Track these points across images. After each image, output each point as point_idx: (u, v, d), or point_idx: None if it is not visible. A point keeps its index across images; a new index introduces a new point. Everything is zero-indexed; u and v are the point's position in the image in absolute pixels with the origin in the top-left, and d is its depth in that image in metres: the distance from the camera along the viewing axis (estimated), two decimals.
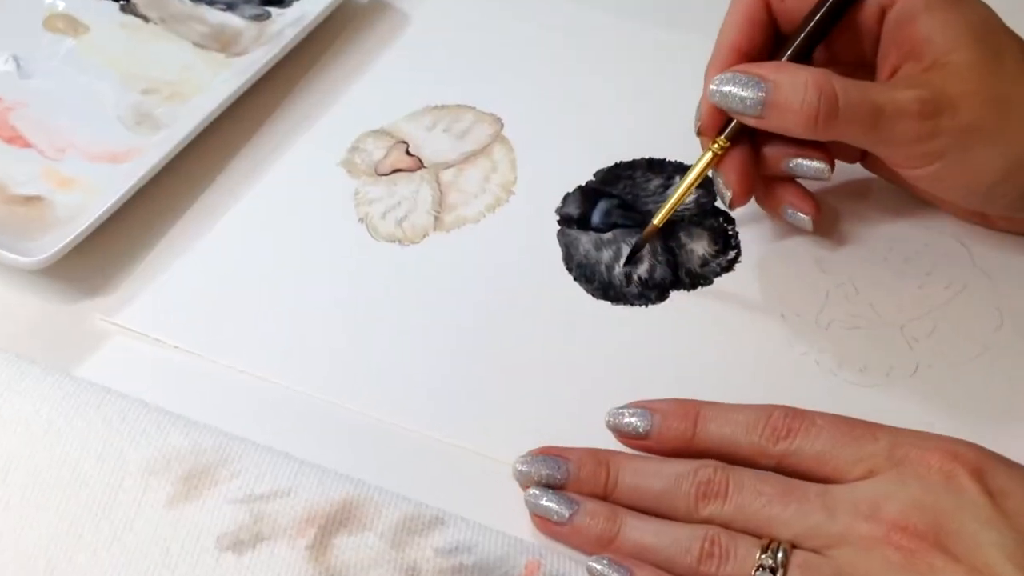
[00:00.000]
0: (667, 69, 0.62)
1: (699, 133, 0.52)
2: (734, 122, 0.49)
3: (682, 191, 0.51)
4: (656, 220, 0.51)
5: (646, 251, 0.54)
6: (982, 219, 0.54)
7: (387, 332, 0.51)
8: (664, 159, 0.58)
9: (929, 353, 0.50)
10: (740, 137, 0.50)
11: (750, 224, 0.55)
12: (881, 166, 0.51)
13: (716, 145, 0.50)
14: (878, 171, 0.53)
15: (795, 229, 0.53)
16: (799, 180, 0.51)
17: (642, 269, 0.54)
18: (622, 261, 0.53)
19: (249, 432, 0.45)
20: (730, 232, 0.55)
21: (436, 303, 0.52)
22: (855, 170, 0.54)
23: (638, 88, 0.63)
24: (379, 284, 0.53)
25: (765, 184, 0.52)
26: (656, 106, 0.60)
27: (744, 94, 0.48)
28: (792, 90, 0.47)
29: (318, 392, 0.48)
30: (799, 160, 0.50)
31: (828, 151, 0.49)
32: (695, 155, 0.53)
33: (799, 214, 0.52)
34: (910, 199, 0.54)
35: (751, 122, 0.48)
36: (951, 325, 0.50)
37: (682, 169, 0.58)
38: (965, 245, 0.54)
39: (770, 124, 0.48)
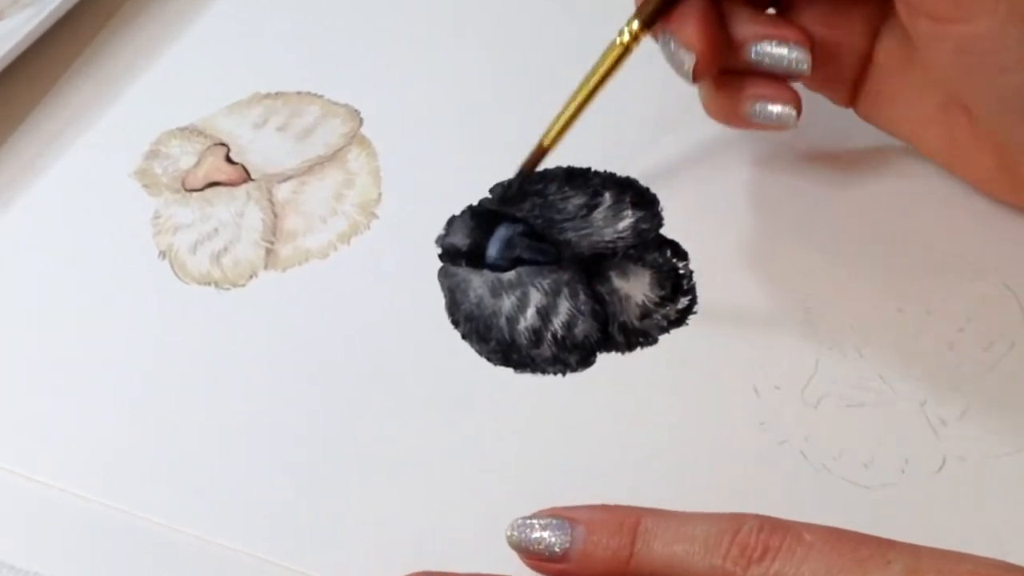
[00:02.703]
0: (592, 38, 0.59)
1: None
2: None
3: (581, 98, 0.51)
4: (546, 140, 0.52)
5: (563, 296, 0.53)
6: (1012, 191, 0.53)
7: (197, 415, 0.50)
8: (589, 168, 0.57)
9: (960, 441, 0.49)
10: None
11: (711, 259, 0.55)
12: (884, 101, 0.52)
13: (626, 32, 0.50)
14: (880, 114, 0.54)
15: (772, 266, 0.54)
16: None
17: (557, 322, 0.53)
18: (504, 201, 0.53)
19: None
20: (681, 270, 0.54)
21: (267, 372, 0.52)
22: (855, 178, 0.55)
23: (551, 67, 0.62)
24: (186, 344, 0.53)
25: (721, 79, 0.52)
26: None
27: None
28: None
29: (101, 498, 0.48)
30: (767, 44, 0.51)
31: (806, 32, 0.50)
32: (632, 163, 0.54)
33: (774, 107, 0.52)
34: (932, 220, 0.55)
35: None
36: (992, 402, 0.50)
37: (615, 184, 0.57)
38: (1012, 289, 0.53)
39: None
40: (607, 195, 0.57)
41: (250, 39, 0.64)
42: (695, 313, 0.54)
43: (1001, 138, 0.52)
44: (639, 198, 0.56)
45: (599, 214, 0.55)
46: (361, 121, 0.60)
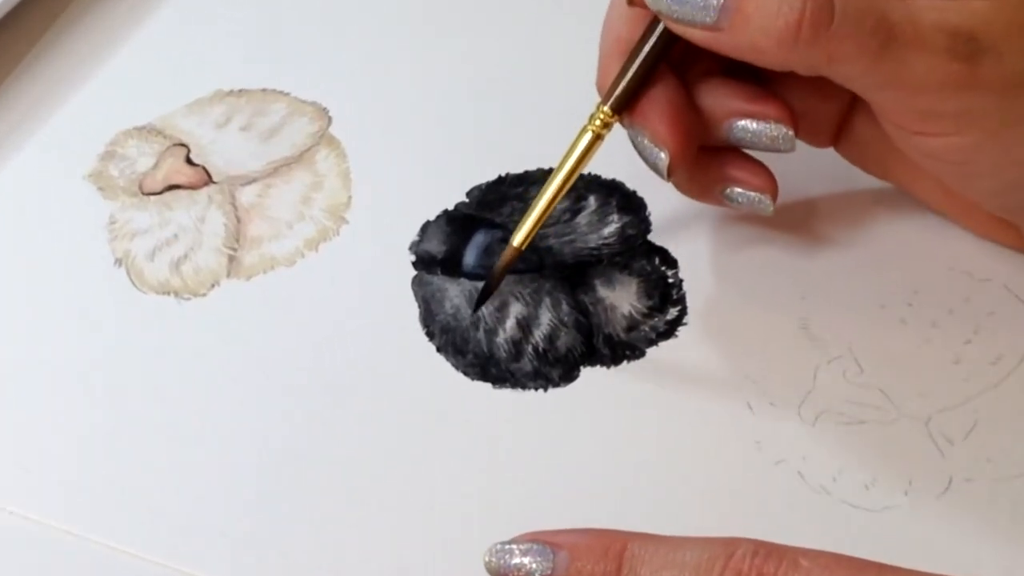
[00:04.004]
0: (569, 34, 0.60)
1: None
2: (625, 81, 0.49)
3: (553, 191, 0.50)
4: (516, 240, 0.51)
5: (545, 307, 0.53)
6: (1017, 240, 0.53)
7: (154, 432, 0.50)
8: None
9: (968, 461, 0.48)
10: (657, 80, 0.49)
11: (701, 267, 0.55)
12: (866, 147, 0.52)
13: (598, 119, 0.49)
14: (862, 158, 0.53)
15: (767, 273, 0.54)
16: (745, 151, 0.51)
17: (539, 334, 0.52)
18: (474, 305, 0.53)
19: None
20: (670, 279, 0.54)
21: (229, 387, 0.51)
22: (854, 184, 0.55)
23: (530, 64, 0.62)
24: (144, 357, 0.52)
25: (696, 158, 0.52)
26: (562, 88, 0.59)
27: None
28: None
29: (52, 521, 0.48)
30: (747, 122, 0.50)
31: (788, 107, 0.50)
32: (618, 165, 0.53)
33: (749, 193, 0.51)
34: (936, 228, 0.55)
35: (701, 38, 0.47)
36: (1000, 420, 0.49)
37: (600, 187, 0.57)
38: (1022, 300, 0.53)
39: (729, 42, 0.47)
40: (592, 199, 0.57)
41: (212, 32, 0.64)
42: (685, 324, 0.53)
43: (989, 211, 0.52)
44: (626, 202, 0.56)
45: (583, 219, 0.55)
46: (330, 120, 0.60)
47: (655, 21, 0.49)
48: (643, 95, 0.50)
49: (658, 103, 0.49)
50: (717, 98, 0.50)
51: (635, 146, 0.51)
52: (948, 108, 0.47)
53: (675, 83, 0.50)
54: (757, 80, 0.50)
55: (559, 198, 0.50)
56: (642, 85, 0.49)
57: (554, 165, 0.53)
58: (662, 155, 0.50)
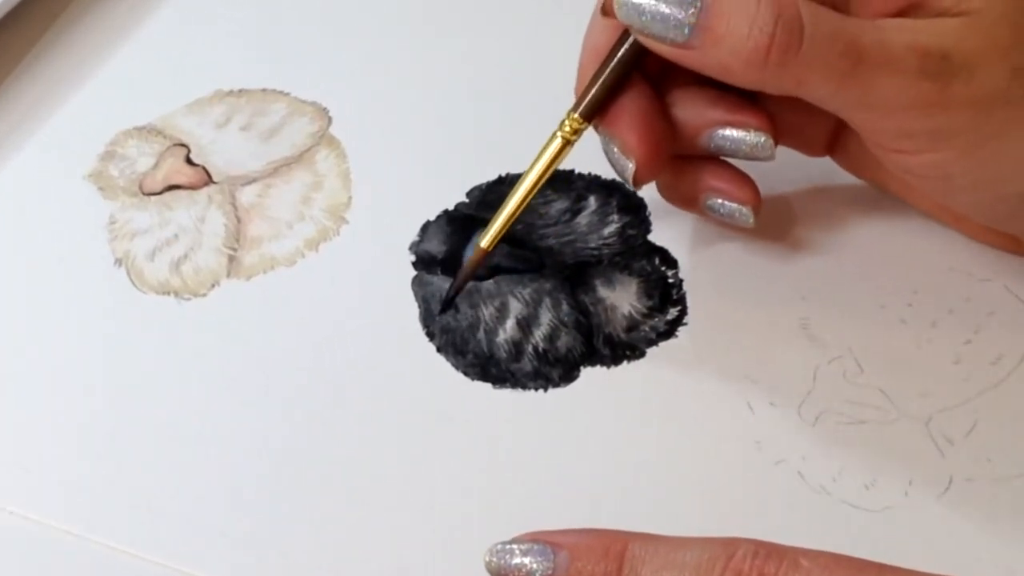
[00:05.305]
0: (567, 33, 0.58)
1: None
2: (595, 89, 0.49)
3: (521, 195, 0.50)
4: (484, 241, 0.51)
5: (545, 307, 0.53)
6: (1014, 245, 0.53)
7: (154, 432, 0.50)
8: (572, 171, 0.57)
9: (968, 461, 0.48)
10: (628, 89, 0.50)
11: (701, 267, 0.55)
12: (859, 157, 0.52)
13: (568, 125, 0.49)
14: (856, 167, 0.54)
15: (767, 273, 0.54)
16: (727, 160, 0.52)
17: (539, 334, 0.52)
18: (441, 306, 0.53)
19: None
20: (670, 279, 0.54)
21: (229, 387, 0.51)
22: (855, 184, 0.55)
23: (530, 63, 0.62)
24: (144, 357, 0.52)
25: (676, 166, 0.52)
26: (562, 88, 0.57)
27: (666, 10, 0.46)
28: (739, 7, 0.46)
29: (52, 521, 0.48)
30: (727, 131, 0.50)
31: (767, 116, 0.50)
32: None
33: (729, 204, 0.52)
34: (938, 227, 0.55)
35: (671, 53, 0.47)
36: (1001, 420, 0.49)
37: (600, 187, 0.57)
38: (1022, 300, 0.53)
39: (698, 59, 0.47)
40: (592, 199, 0.56)
41: (212, 32, 0.64)
42: (685, 324, 0.53)
43: (1005, 229, 0.52)
44: (626, 202, 0.55)
45: (583, 219, 0.55)
46: (330, 120, 0.60)
47: (627, 32, 0.49)
48: (613, 104, 0.50)
49: (627, 112, 0.50)
50: (697, 107, 0.50)
51: (606, 154, 0.51)
52: (921, 127, 0.47)
53: (647, 93, 0.50)
54: (741, 90, 0.50)
55: (527, 202, 0.51)
56: (612, 93, 0.50)
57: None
58: (629, 164, 0.50)
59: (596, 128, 0.50)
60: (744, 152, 0.50)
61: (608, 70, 0.49)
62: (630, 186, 0.50)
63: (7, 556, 0.47)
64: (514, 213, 0.51)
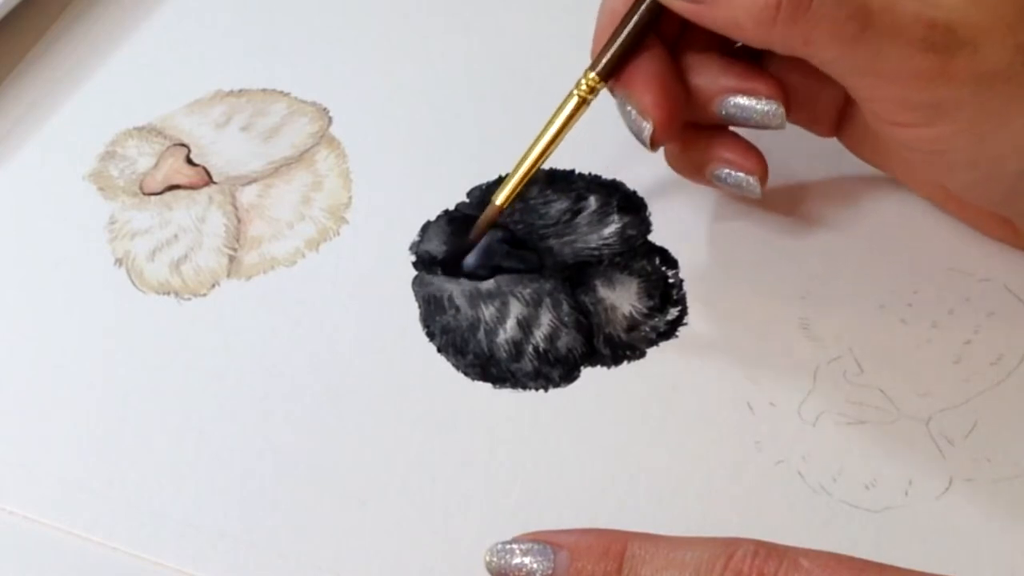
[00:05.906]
0: (568, 33, 0.59)
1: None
2: (613, 49, 0.50)
3: (537, 152, 0.51)
4: (499, 199, 0.51)
5: (545, 307, 0.53)
6: (1011, 234, 0.53)
7: (154, 433, 0.50)
8: (573, 171, 0.57)
9: (968, 461, 0.48)
10: (645, 52, 0.50)
11: (701, 267, 0.55)
12: (865, 137, 0.52)
13: (584, 83, 0.50)
14: (861, 148, 0.54)
15: (767, 273, 0.53)
16: (735, 130, 0.52)
17: (539, 335, 0.52)
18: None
19: None
20: (671, 279, 0.54)
21: (229, 388, 0.51)
22: (856, 184, 0.55)
23: (531, 63, 0.62)
24: (144, 357, 0.52)
25: (686, 135, 0.52)
26: (563, 88, 0.56)
27: None
28: None
29: (53, 521, 0.48)
30: (739, 99, 0.50)
31: (779, 85, 0.50)
32: (619, 165, 0.53)
33: (738, 174, 0.52)
34: (938, 226, 0.55)
35: (684, 8, 0.48)
36: (1001, 420, 0.49)
37: (600, 187, 0.57)
38: (1022, 300, 0.53)
39: (711, 15, 0.48)
40: (592, 199, 0.56)
41: (212, 33, 0.64)
42: (685, 325, 0.53)
43: (1000, 211, 0.52)
44: (626, 202, 0.55)
45: (583, 219, 0.55)
46: (330, 120, 0.60)
47: None
48: (630, 63, 0.50)
49: (644, 72, 0.50)
50: (710, 74, 0.51)
51: (622, 115, 0.51)
52: (922, 99, 0.47)
53: (663, 55, 0.50)
54: (754, 60, 0.51)
55: (543, 160, 0.51)
56: (629, 53, 0.50)
57: (554, 165, 0.53)
58: (647, 125, 0.50)
59: (612, 91, 0.50)
60: (755, 120, 0.50)
61: (626, 31, 0.50)
62: (647, 147, 0.51)
63: (7, 556, 0.47)
64: (529, 171, 0.51)
